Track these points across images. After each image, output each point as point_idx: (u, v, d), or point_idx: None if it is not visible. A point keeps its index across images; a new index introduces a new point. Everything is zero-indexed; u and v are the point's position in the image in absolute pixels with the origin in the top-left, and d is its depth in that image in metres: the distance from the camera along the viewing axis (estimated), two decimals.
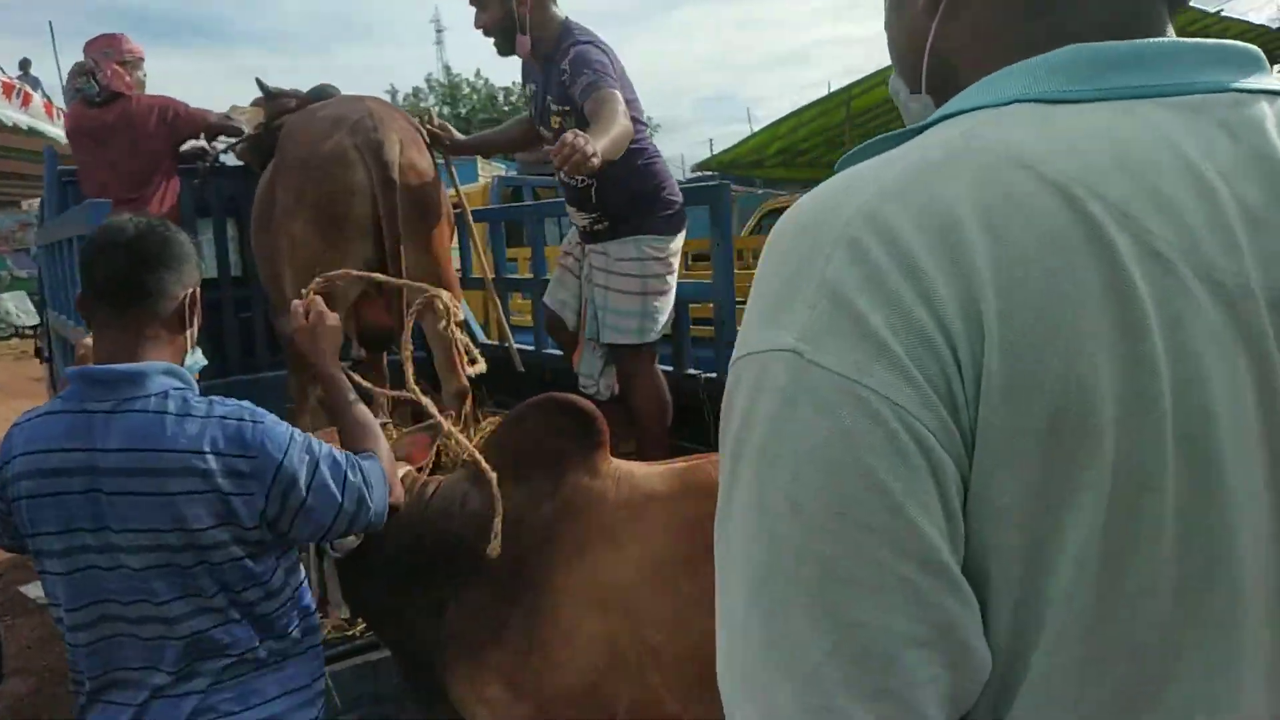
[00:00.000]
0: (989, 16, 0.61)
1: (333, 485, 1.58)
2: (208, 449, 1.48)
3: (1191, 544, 0.49)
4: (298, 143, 3.15)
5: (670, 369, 3.34)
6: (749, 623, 0.52)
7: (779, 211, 10.28)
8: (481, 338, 4.71)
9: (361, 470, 1.63)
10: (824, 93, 12.81)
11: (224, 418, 1.52)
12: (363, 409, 1.81)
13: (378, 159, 2.93)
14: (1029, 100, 0.55)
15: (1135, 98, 0.54)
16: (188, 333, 1.62)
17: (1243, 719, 0.51)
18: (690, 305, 3.37)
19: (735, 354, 0.56)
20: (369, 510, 1.63)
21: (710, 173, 15.22)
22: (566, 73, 2.85)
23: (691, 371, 3.26)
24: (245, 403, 1.59)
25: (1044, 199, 0.50)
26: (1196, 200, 0.50)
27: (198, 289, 1.64)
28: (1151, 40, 0.56)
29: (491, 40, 3.08)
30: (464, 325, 4.53)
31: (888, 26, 0.72)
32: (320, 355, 1.85)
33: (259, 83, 4.13)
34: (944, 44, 0.65)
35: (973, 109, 0.57)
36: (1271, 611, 0.51)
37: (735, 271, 3.15)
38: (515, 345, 4.34)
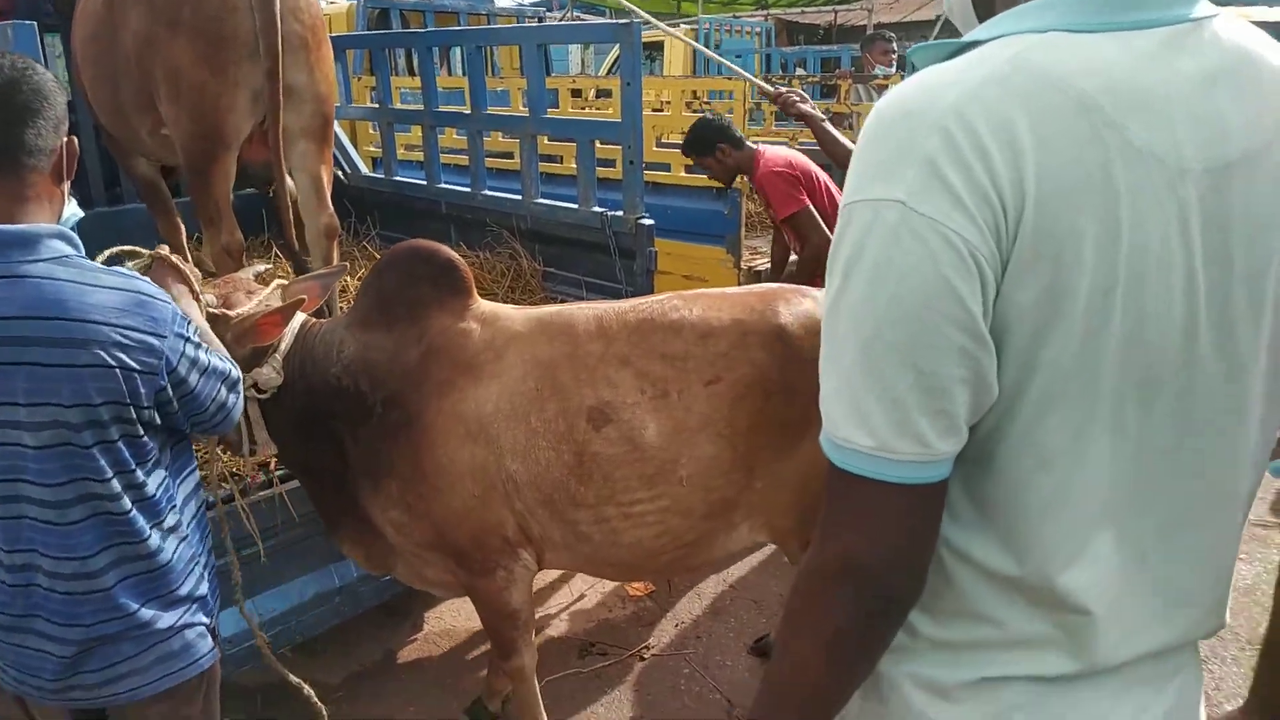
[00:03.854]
0: None
1: (214, 381, 1.58)
2: (118, 321, 1.41)
3: (1127, 324, 0.79)
4: None
5: (575, 206, 3.49)
6: (854, 371, 0.79)
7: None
8: (363, 170, 4.63)
9: (233, 400, 1.64)
10: None
11: (132, 290, 1.45)
12: (204, 327, 1.78)
13: None
14: (1061, 30, 0.79)
15: (1132, 29, 0.80)
16: (65, 185, 1.51)
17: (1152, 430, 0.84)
18: (595, 143, 3.46)
19: (849, 199, 0.80)
20: (227, 415, 1.63)
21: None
22: None
23: (597, 209, 3.40)
24: (142, 278, 1.53)
25: (1067, 110, 0.76)
26: (1162, 106, 0.78)
27: (73, 137, 1.51)
28: None
29: None
30: (340, 151, 4.43)
31: None
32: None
33: None
34: None
35: (1020, 32, 0.81)
36: (1163, 359, 0.82)
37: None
38: (407, 179, 4.33)
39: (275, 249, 3.99)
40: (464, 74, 5.88)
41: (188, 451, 1.69)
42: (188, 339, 1.51)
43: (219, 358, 1.62)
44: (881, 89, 6.00)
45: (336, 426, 2.02)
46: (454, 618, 3.24)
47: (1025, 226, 0.75)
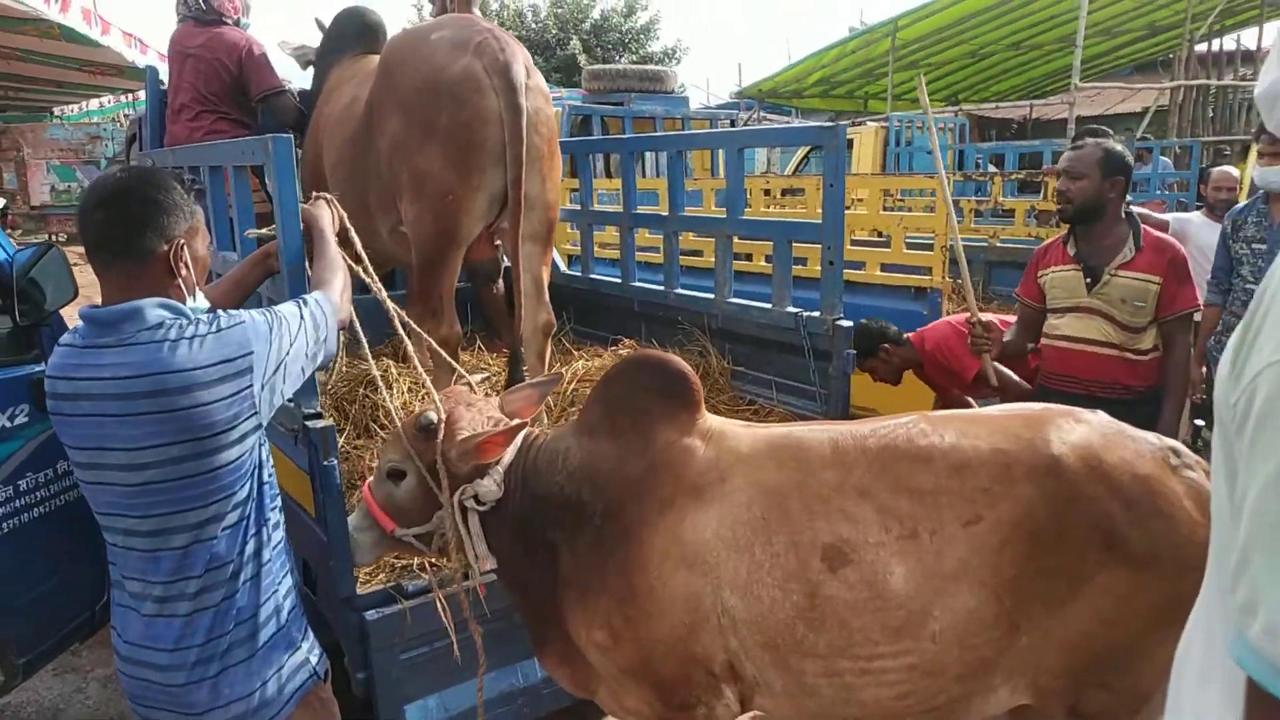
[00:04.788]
0: None
1: (302, 347, 1.79)
2: (210, 362, 1.62)
3: None
4: (415, 68, 2.99)
5: (768, 306, 3.43)
6: None
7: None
8: (562, 268, 4.80)
9: (315, 318, 1.84)
10: (856, 21, 12.63)
11: (217, 331, 1.66)
12: (333, 249, 2.08)
13: (506, 82, 2.82)
14: None
15: None
16: (179, 281, 1.71)
17: None
18: (793, 243, 3.41)
19: None
20: (326, 350, 1.89)
21: (749, 100, 15.07)
22: None
23: (791, 309, 3.33)
24: (225, 311, 1.73)
25: None
26: None
27: (184, 242, 1.70)
28: None
29: None
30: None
31: None
32: (316, 219, 2.15)
33: (318, 22, 4.15)
34: None
35: None
36: None
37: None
38: (602, 277, 4.45)
39: (479, 341, 4.17)
40: (659, 175, 6.10)
41: (272, 495, 1.84)
42: (271, 341, 1.71)
43: (293, 313, 1.80)
44: None
45: (555, 537, 1.97)
46: None
47: None
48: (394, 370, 3.51)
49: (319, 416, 2.29)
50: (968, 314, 3.37)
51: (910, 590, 1.74)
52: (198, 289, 1.79)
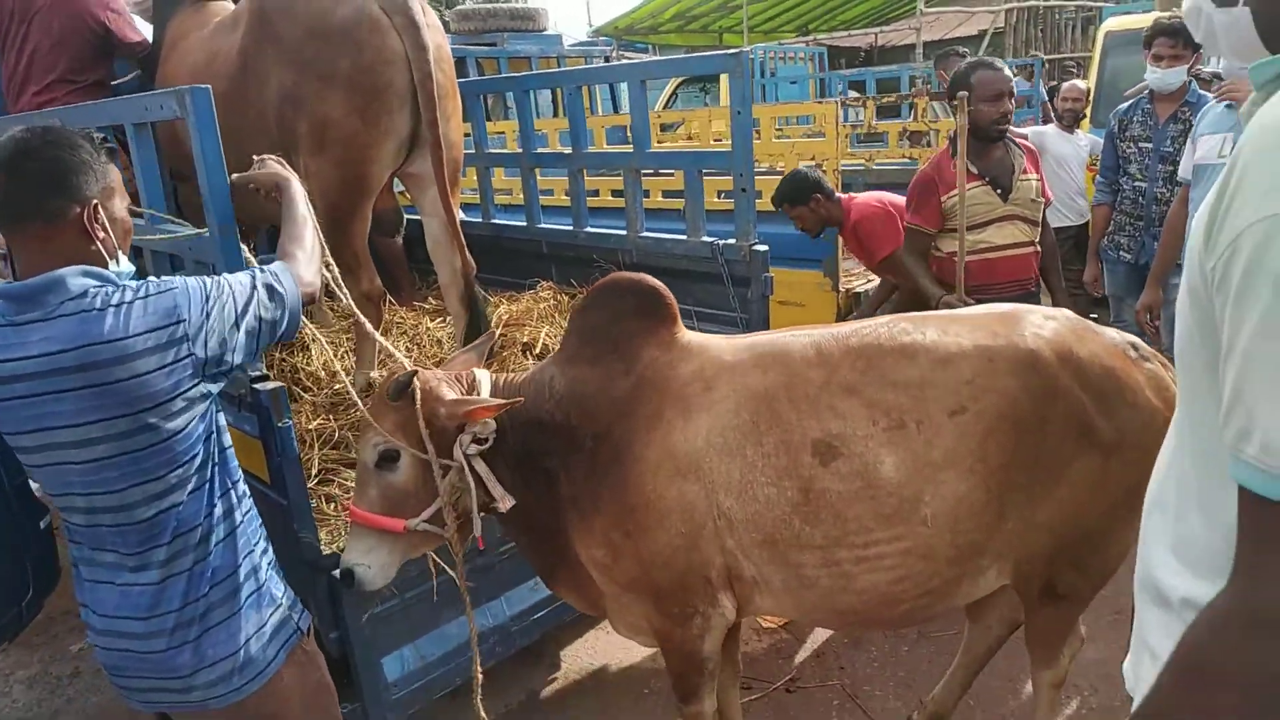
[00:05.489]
0: None
1: (251, 315, 1.69)
2: (139, 330, 1.53)
3: None
4: (301, 13, 2.81)
5: (683, 237, 3.50)
6: None
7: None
8: (461, 214, 4.69)
9: (272, 288, 1.74)
10: None
11: (144, 297, 1.57)
12: (301, 213, 1.98)
13: (408, 20, 2.72)
14: None
15: None
16: (97, 245, 1.60)
17: None
18: (704, 174, 3.47)
19: (1266, 211, 0.75)
20: (289, 322, 1.77)
21: (607, 38, 14.90)
22: None
23: (707, 238, 3.41)
24: (156, 279, 1.64)
25: None
26: None
27: (98, 203, 1.60)
28: None
29: None
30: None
31: None
32: (276, 178, 2.06)
33: None
34: None
35: None
36: None
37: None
38: (505, 221, 4.40)
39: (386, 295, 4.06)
40: (538, 116, 6.00)
41: (233, 459, 1.80)
42: (208, 310, 1.62)
43: (242, 281, 1.71)
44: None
45: (552, 464, 2.00)
46: (590, 656, 3.23)
47: None
48: (309, 330, 3.39)
49: (265, 379, 2.22)
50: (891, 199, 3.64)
51: (901, 478, 1.84)
52: (120, 252, 1.67)
